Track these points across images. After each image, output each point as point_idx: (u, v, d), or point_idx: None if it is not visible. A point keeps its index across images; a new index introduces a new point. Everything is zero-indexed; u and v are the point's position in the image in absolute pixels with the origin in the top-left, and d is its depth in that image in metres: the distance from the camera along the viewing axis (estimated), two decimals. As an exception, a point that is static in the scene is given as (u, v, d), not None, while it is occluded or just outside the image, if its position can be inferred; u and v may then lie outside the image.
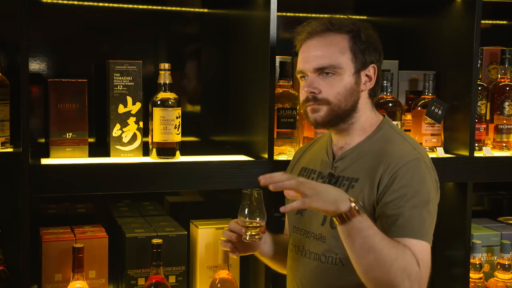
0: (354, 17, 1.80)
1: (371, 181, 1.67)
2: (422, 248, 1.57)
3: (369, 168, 1.70)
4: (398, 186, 1.62)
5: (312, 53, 1.74)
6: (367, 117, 1.79)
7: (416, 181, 1.63)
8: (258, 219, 1.73)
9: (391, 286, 1.51)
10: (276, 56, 2.12)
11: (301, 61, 1.77)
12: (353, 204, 1.51)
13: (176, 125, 2.08)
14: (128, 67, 2.11)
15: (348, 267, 1.64)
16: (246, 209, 1.73)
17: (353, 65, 1.73)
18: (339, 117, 1.74)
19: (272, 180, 1.51)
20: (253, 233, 1.73)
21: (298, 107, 2.24)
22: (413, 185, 1.62)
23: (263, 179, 1.52)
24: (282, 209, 1.55)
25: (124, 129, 2.12)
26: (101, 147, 2.22)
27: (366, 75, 1.76)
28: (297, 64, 1.79)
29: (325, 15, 1.80)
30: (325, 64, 1.71)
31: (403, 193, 1.61)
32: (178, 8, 2.52)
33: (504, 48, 2.49)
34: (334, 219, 1.53)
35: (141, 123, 2.14)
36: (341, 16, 1.78)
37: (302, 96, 1.77)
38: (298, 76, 1.80)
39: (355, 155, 1.76)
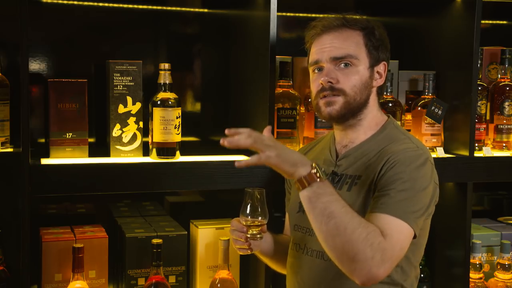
0: (355, 17, 1.80)
1: (372, 176, 1.68)
2: (395, 225, 1.55)
3: (371, 165, 1.70)
4: (393, 173, 1.63)
5: (328, 45, 1.74)
6: (374, 115, 1.80)
7: (411, 169, 1.63)
8: (260, 218, 1.73)
9: (353, 254, 1.48)
10: (276, 56, 2.12)
11: (316, 52, 1.77)
12: (314, 170, 1.53)
13: (176, 125, 2.08)
14: (128, 67, 2.11)
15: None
16: (248, 208, 1.73)
17: (368, 60, 1.74)
18: (352, 111, 1.75)
19: (230, 139, 1.54)
20: (254, 232, 1.73)
21: (298, 107, 2.24)
22: (407, 172, 1.62)
23: (226, 140, 1.55)
24: (237, 164, 1.58)
25: (124, 129, 2.12)
26: (101, 147, 2.22)
27: (377, 72, 1.77)
28: (310, 57, 1.79)
29: (325, 15, 1.79)
30: (342, 54, 1.72)
31: (396, 178, 1.61)
32: (178, 8, 2.52)
33: (504, 48, 2.49)
34: (297, 184, 1.54)
35: (141, 123, 2.14)
36: (353, 16, 1.79)
37: (317, 87, 1.76)
38: (311, 69, 1.79)
39: (359, 153, 1.76)
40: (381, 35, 1.78)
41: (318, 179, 1.53)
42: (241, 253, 1.83)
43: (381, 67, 1.78)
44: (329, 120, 1.78)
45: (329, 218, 1.51)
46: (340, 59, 1.72)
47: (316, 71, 1.78)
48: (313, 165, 1.54)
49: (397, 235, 1.55)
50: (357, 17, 1.78)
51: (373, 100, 1.79)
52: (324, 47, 1.74)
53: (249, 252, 1.81)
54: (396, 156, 1.65)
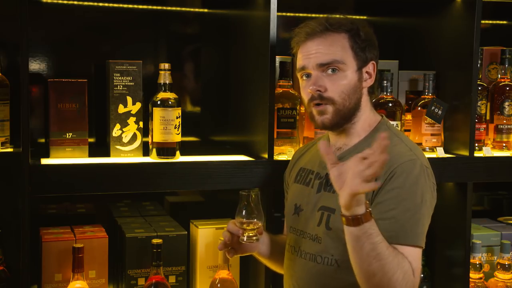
0: (354, 17, 1.80)
1: None
2: (416, 255, 1.59)
3: None
4: (390, 187, 1.62)
5: (314, 51, 1.72)
6: (366, 116, 1.78)
7: (409, 183, 1.62)
8: (255, 220, 1.73)
9: None
10: (276, 56, 2.12)
11: (302, 58, 1.75)
12: (369, 209, 1.49)
13: (176, 125, 2.08)
14: (128, 67, 2.11)
15: (344, 268, 1.64)
16: (244, 210, 1.73)
17: (355, 63, 1.73)
18: (345, 117, 1.73)
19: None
20: (250, 234, 1.73)
21: (298, 107, 2.24)
22: (406, 186, 1.61)
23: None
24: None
25: (124, 129, 2.12)
26: (101, 147, 2.22)
27: (366, 72, 1.76)
28: (297, 63, 1.78)
29: (326, 15, 1.79)
30: (329, 60, 1.70)
31: (395, 194, 1.61)
32: (178, 8, 2.52)
33: (504, 48, 2.49)
34: (343, 218, 1.50)
35: (141, 123, 2.14)
36: (338, 16, 1.78)
37: (307, 95, 1.75)
38: (299, 75, 1.78)
39: (351, 156, 1.75)
40: (367, 34, 1.75)
41: (371, 218, 1.48)
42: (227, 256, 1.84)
43: (370, 67, 1.76)
44: (323, 128, 1.78)
45: (375, 260, 1.49)
46: (326, 65, 1.71)
47: (304, 77, 1.76)
48: (367, 201, 1.49)
49: (417, 263, 1.59)
50: (341, 17, 1.76)
51: (365, 101, 1.77)
52: (309, 54, 1.73)
53: (229, 257, 1.82)
54: (390, 166, 1.64)
